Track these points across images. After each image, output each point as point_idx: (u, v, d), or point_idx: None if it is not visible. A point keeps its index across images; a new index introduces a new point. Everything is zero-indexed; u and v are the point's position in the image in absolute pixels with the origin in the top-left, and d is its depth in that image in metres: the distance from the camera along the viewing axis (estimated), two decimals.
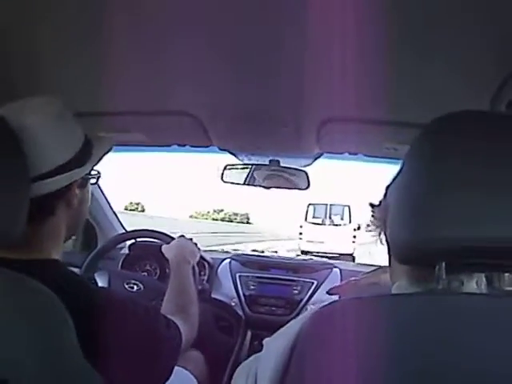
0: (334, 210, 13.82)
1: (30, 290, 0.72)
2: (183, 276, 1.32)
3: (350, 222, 13.33)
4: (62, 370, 0.71)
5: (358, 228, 12.72)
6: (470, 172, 0.59)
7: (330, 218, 13.69)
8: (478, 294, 0.65)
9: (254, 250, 2.47)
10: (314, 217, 13.80)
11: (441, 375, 0.56)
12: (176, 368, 1.48)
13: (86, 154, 0.93)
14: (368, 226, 0.86)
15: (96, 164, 0.97)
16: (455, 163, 0.60)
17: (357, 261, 9.55)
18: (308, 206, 13.97)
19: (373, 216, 0.84)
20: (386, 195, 0.81)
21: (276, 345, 0.72)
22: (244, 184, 1.86)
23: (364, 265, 2.50)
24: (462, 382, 0.55)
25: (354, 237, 12.91)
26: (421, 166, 0.64)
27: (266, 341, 0.79)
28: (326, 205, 13.95)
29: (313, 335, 0.65)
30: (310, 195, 13.84)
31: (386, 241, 0.74)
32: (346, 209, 13.70)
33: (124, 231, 2.26)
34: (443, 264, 0.61)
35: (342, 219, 13.55)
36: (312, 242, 12.97)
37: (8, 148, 0.76)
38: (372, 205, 0.85)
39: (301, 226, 13.73)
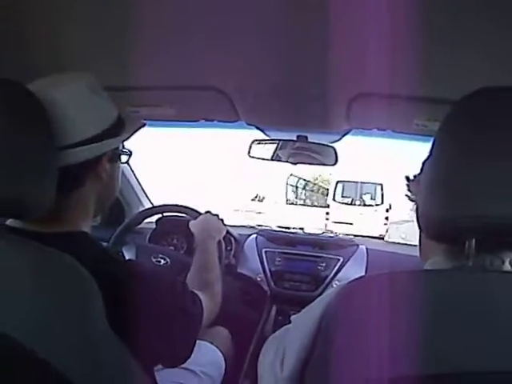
0: (364, 189, 13.33)
1: (59, 263, 0.75)
2: (208, 252, 1.37)
3: (382, 202, 12.86)
4: (87, 339, 0.74)
5: (390, 208, 12.45)
6: (500, 148, 0.61)
7: (361, 197, 13.26)
8: (507, 272, 0.68)
9: (279, 227, 2.53)
10: (342, 196, 13.36)
11: (470, 350, 0.58)
12: (203, 343, 1.59)
13: (117, 129, 0.98)
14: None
15: (127, 139, 1.01)
16: (487, 139, 0.62)
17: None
18: (336, 184, 13.48)
19: (408, 190, 0.88)
20: (421, 170, 0.83)
21: (303, 321, 0.77)
22: (271, 160, 1.91)
23: (393, 243, 2.54)
24: (490, 357, 0.57)
25: (386, 218, 12.49)
26: (452, 142, 0.66)
27: (293, 317, 0.83)
28: (357, 183, 13.42)
29: (339, 311, 0.68)
30: (338, 172, 13.39)
31: (417, 217, 0.76)
32: (378, 187, 13.15)
33: (151, 206, 2.34)
34: (473, 241, 0.64)
35: (373, 199, 13.11)
36: (340, 223, 12.69)
37: (34, 119, 0.80)
38: (408, 178, 0.89)
39: (328, 206, 13.40)
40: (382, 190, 13.12)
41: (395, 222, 12.27)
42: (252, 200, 15.44)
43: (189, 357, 1.00)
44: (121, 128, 1.00)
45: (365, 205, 13.20)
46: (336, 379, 0.63)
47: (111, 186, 1.04)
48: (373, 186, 13.36)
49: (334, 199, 13.46)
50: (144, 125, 1.07)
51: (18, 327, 0.70)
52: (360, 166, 15.59)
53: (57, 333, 0.71)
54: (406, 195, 0.90)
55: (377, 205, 12.97)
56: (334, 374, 0.63)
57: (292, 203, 16.91)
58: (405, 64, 1.10)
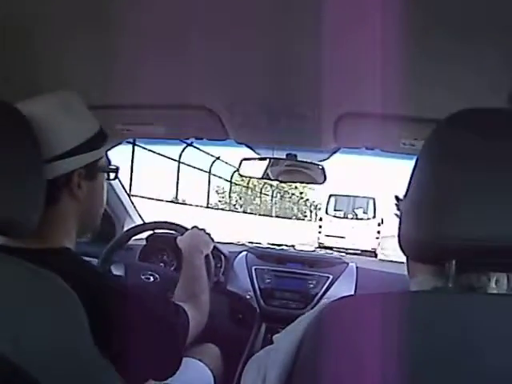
0: (357, 203, 13.48)
1: (43, 280, 0.75)
2: (195, 265, 1.38)
3: (374, 216, 13.00)
4: (74, 360, 0.74)
5: (382, 222, 12.50)
6: (483, 172, 0.61)
7: (353, 211, 13.38)
8: (485, 294, 0.67)
9: (270, 244, 2.53)
10: (335, 209, 13.50)
11: (450, 374, 0.58)
12: (192, 360, 1.59)
13: (94, 144, 0.97)
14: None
15: (105, 151, 1.01)
16: (467, 162, 0.62)
17: (379, 257, 9.34)
18: (329, 198, 13.62)
19: (398, 209, 0.86)
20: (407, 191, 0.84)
21: (285, 339, 0.76)
22: (261, 178, 1.94)
23: (384, 261, 2.56)
24: (471, 380, 0.57)
25: (378, 232, 12.60)
26: (432, 164, 0.66)
27: (275, 337, 0.83)
28: (349, 197, 13.59)
29: (322, 329, 0.68)
30: (331, 187, 13.47)
31: (398, 238, 0.76)
32: (371, 202, 13.30)
33: (142, 222, 2.35)
34: (453, 262, 0.64)
35: (365, 213, 13.22)
36: (332, 236, 12.76)
37: (23, 138, 0.80)
38: (397, 198, 0.88)
39: (320, 219, 13.47)
40: (374, 204, 13.21)
41: (388, 236, 12.31)
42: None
43: (177, 368, 1.00)
44: (97, 143, 0.99)
45: (357, 218, 13.26)
46: None
47: (91, 205, 1.02)
48: (365, 200, 13.49)
49: (326, 212, 13.53)
50: (120, 142, 1.07)
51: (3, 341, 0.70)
52: (352, 181, 15.61)
53: (39, 348, 0.71)
54: (396, 214, 0.90)
55: (369, 219, 13.01)
56: None
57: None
58: (392, 84, 1.11)
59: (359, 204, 13.50)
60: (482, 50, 0.95)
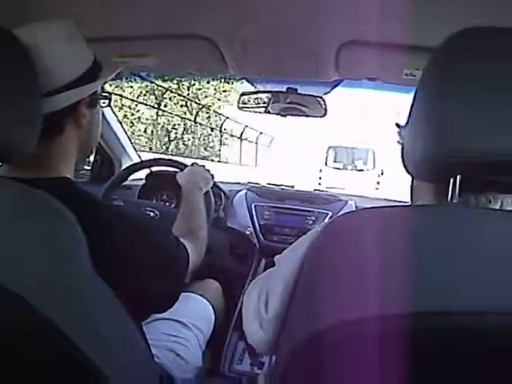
0: (356, 154, 13.45)
1: (45, 205, 0.74)
2: (194, 201, 1.39)
3: (373, 167, 13.01)
4: (73, 282, 0.73)
5: (382, 173, 12.53)
6: (485, 88, 0.61)
7: (353, 162, 13.38)
8: (490, 209, 0.68)
9: (269, 184, 2.54)
10: (334, 161, 13.45)
11: (454, 283, 0.57)
12: (193, 295, 1.62)
13: (94, 74, 0.97)
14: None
15: (105, 83, 1.01)
16: (469, 77, 0.62)
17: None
18: (328, 149, 13.56)
19: (399, 136, 0.87)
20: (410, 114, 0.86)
21: (286, 261, 0.77)
22: (262, 112, 1.92)
23: (380, 199, 2.57)
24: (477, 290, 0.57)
25: (378, 183, 12.60)
26: (434, 81, 0.66)
27: (276, 258, 0.84)
28: (348, 148, 13.55)
29: (324, 246, 0.68)
30: (330, 138, 13.39)
31: (402, 158, 0.76)
32: (370, 153, 13.29)
33: (139, 160, 2.34)
34: (458, 178, 0.64)
35: (365, 164, 13.24)
36: (332, 188, 12.76)
37: (20, 63, 0.79)
38: (398, 125, 0.88)
39: (320, 171, 13.36)
40: (373, 155, 13.17)
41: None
42: None
43: (176, 300, 1.01)
44: (97, 72, 0.99)
45: (357, 170, 13.27)
46: (318, 318, 0.62)
47: (91, 132, 1.03)
48: (365, 152, 13.43)
49: (325, 164, 13.48)
50: (122, 69, 1.07)
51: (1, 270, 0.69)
52: (352, 132, 15.50)
53: (42, 275, 0.70)
54: (398, 141, 0.90)
55: (368, 170, 13.02)
56: (316, 312, 0.63)
57: None
58: (395, 12, 1.09)
59: (359, 155, 13.46)
60: None
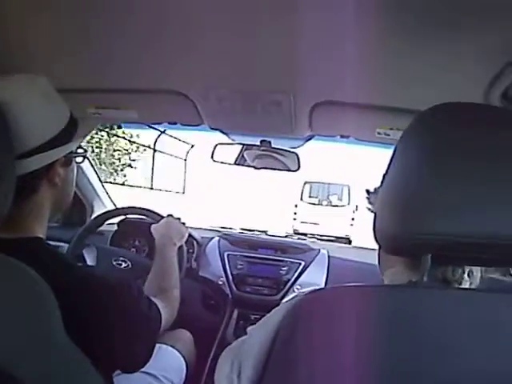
0: (332, 190, 13.44)
1: (15, 271, 0.73)
2: (167, 258, 1.38)
3: (348, 203, 12.97)
4: (47, 349, 0.72)
5: (356, 209, 12.61)
6: (459, 166, 0.62)
7: (328, 197, 13.34)
8: (459, 288, 0.69)
9: (242, 229, 2.54)
10: (310, 196, 13.46)
11: (426, 370, 0.59)
12: (164, 346, 1.59)
13: (70, 133, 0.97)
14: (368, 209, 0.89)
15: (81, 142, 1.00)
16: (447, 156, 0.63)
17: (353, 243, 9.42)
18: (304, 185, 13.55)
19: (369, 202, 0.90)
20: (382, 182, 0.84)
21: (260, 331, 0.76)
22: (234, 164, 1.93)
23: (357, 248, 2.58)
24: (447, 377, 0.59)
25: (353, 219, 12.57)
26: (411, 157, 0.66)
27: (249, 329, 0.84)
28: (324, 184, 13.56)
29: (296, 321, 0.68)
30: (307, 173, 13.45)
31: (374, 230, 0.77)
32: (346, 189, 13.29)
33: (114, 207, 2.34)
34: (429, 256, 0.65)
35: (339, 199, 13.21)
36: (307, 223, 12.80)
37: None
38: (368, 191, 0.90)
39: (296, 206, 13.35)
40: (348, 191, 13.25)
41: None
42: None
43: (147, 361, 1.00)
44: (73, 131, 0.98)
45: (332, 205, 13.29)
46: None
47: (66, 190, 1.03)
48: (340, 187, 13.49)
49: (301, 199, 13.50)
50: (98, 124, 1.07)
51: None
52: (327, 168, 15.64)
53: (11, 339, 0.69)
54: (368, 208, 0.91)
55: (343, 206, 13.10)
56: None
57: None
58: (367, 73, 1.12)
59: (334, 191, 13.48)
60: (458, 47, 0.96)
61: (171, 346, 1.65)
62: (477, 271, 0.72)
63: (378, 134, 1.49)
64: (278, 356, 0.68)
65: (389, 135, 1.48)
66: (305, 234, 6.80)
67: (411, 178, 0.65)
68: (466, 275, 0.71)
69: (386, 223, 0.69)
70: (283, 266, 2.07)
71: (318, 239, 2.61)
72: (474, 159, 0.62)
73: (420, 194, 0.63)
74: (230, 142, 1.92)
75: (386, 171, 0.79)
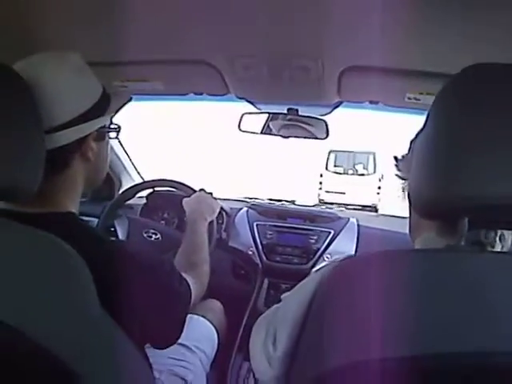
0: (357, 159, 13.36)
1: (49, 245, 0.74)
2: (198, 233, 1.38)
3: (374, 171, 12.91)
4: (84, 325, 0.73)
5: (382, 177, 12.50)
6: (496, 128, 0.61)
7: (353, 166, 13.28)
8: (496, 252, 0.68)
9: (270, 199, 2.53)
10: (335, 165, 13.37)
11: (456, 329, 0.58)
12: (196, 317, 1.62)
13: (102, 107, 0.97)
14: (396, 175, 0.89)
15: (113, 116, 1.01)
16: (481, 119, 0.62)
17: (380, 212, 9.39)
18: (329, 154, 13.46)
19: (398, 169, 0.88)
20: (410, 149, 0.84)
21: (294, 300, 0.77)
22: (261, 133, 1.90)
23: (384, 215, 2.57)
24: (475, 337, 0.58)
25: (379, 188, 12.55)
26: (446, 121, 0.65)
27: (283, 296, 0.84)
28: (349, 152, 13.46)
29: (330, 290, 0.68)
30: (331, 142, 13.31)
31: (408, 195, 0.76)
32: (371, 157, 13.18)
33: (141, 180, 2.34)
34: (466, 220, 0.64)
35: (365, 168, 13.16)
36: (332, 192, 12.79)
37: (21, 100, 0.79)
38: (396, 158, 0.89)
39: (321, 175, 13.32)
40: (374, 159, 13.13)
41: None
42: None
43: (178, 337, 1.01)
44: (105, 105, 0.99)
45: (357, 174, 13.23)
46: (326, 358, 0.63)
47: (99, 165, 1.03)
48: (365, 156, 13.37)
49: (326, 169, 13.44)
50: (130, 99, 1.07)
51: (7, 310, 0.69)
52: (352, 136, 15.47)
53: (48, 314, 0.70)
54: (396, 175, 0.89)
55: (369, 174, 13.00)
56: (325, 352, 0.64)
57: None
58: (396, 37, 1.09)
59: (359, 159, 13.38)
60: (487, 8, 0.93)
61: (202, 316, 1.68)
62: (508, 235, 0.71)
63: (408, 99, 1.46)
64: (313, 322, 0.69)
65: (419, 100, 1.44)
66: (331, 204, 6.80)
67: (448, 141, 0.64)
68: (497, 238, 0.70)
69: (422, 187, 0.68)
70: (312, 235, 2.06)
71: (344, 208, 2.59)
72: (509, 121, 0.61)
73: (456, 157, 0.62)
74: (257, 111, 1.88)
75: (415, 137, 0.80)
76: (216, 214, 1.59)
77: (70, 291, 0.73)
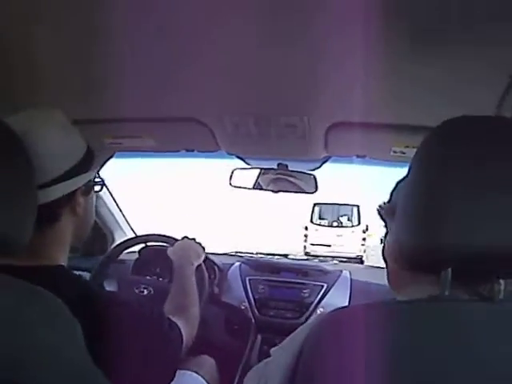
0: (341, 211, 13.38)
1: (40, 298, 0.73)
2: (185, 277, 1.37)
3: (358, 223, 12.90)
4: (73, 379, 0.72)
5: (367, 229, 12.55)
6: (478, 177, 0.61)
7: (338, 219, 13.28)
8: (481, 301, 0.66)
9: (262, 253, 2.52)
10: (320, 217, 13.38)
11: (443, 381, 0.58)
12: (188, 373, 1.58)
13: (89, 161, 0.99)
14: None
15: (98, 170, 1.02)
16: (463, 168, 0.62)
17: (366, 263, 9.36)
18: (314, 207, 13.45)
19: (381, 218, 0.87)
20: (390, 199, 0.84)
21: (283, 353, 0.75)
22: (252, 188, 1.92)
23: (373, 267, 2.56)
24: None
25: (364, 239, 12.56)
26: (427, 171, 0.66)
27: (272, 350, 0.82)
28: (334, 205, 13.51)
29: (319, 341, 0.68)
30: (316, 195, 13.38)
31: (383, 248, 0.77)
32: (355, 209, 13.19)
33: (134, 235, 2.33)
34: (449, 270, 0.63)
35: (349, 220, 13.17)
36: (318, 245, 12.74)
37: (15, 155, 0.79)
38: (380, 206, 0.88)
39: (306, 228, 13.32)
40: (358, 211, 13.18)
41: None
42: None
43: (171, 380, 1.00)
44: (91, 160, 1.01)
45: (342, 226, 13.23)
46: None
47: (86, 218, 1.04)
48: (349, 208, 13.42)
49: (311, 221, 13.45)
50: (113, 155, 1.08)
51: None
52: (336, 189, 15.63)
53: (38, 368, 0.69)
54: (384, 226, 0.90)
55: (353, 226, 13.03)
56: None
57: None
58: (381, 93, 1.12)
59: (343, 212, 13.42)
60: (470, 61, 0.95)
61: (195, 372, 1.63)
62: (499, 285, 0.68)
63: (394, 152, 1.48)
64: (304, 373, 0.68)
65: (404, 153, 1.46)
66: (317, 256, 6.78)
67: (430, 191, 0.64)
68: (486, 291, 0.68)
69: (404, 238, 0.68)
70: (305, 289, 2.04)
71: (336, 261, 2.58)
72: (490, 170, 0.61)
73: (439, 207, 0.62)
74: (247, 166, 1.90)
75: (395, 187, 0.80)
76: (202, 258, 1.57)
77: (59, 343, 0.72)
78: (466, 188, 0.61)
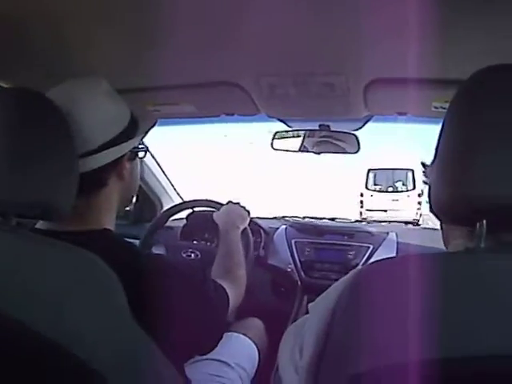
0: (396, 176, 13.23)
1: (86, 262, 0.75)
2: (231, 241, 1.39)
3: (413, 187, 12.67)
4: (118, 343, 0.75)
5: (422, 193, 12.25)
6: (508, 127, 0.60)
7: (393, 184, 13.17)
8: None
9: (309, 217, 2.49)
10: (375, 184, 13.27)
11: (478, 330, 0.57)
12: (236, 335, 1.60)
13: (133, 128, 1.01)
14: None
15: (143, 137, 1.04)
16: (493, 119, 0.61)
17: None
18: (368, 172, 13.33)
19: (425, 176, 0.88)
20: (435, 156, 0.84)
21: (319, 308, 0.75)
22: (298, 151, 1.90)
23: (426, 229, 2.49)
24: (499, 337, 0.57)
25: (419, 203, 12.32)
26: (459, 123, 0.64)
27: (310, 305, 0.83)
28: (388, 170, 13.30)
29: (356, 293, 0.67)
30: (369, 161, 13.22)
31: (429, 200, 0.75)
32: (410, 174, 12.92)
33: (181, 201, 2.38)
34: (484, 222, 0.62)
35: (404, 185, 13.01)
36: (374, 210, 12.60)
37: (55, 126, 0.82)
38: (423, 164, 0.89)
39: (361, 194, 13.21)
40: (413, 175, 12.90)
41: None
42: None
43: (217, 342, 1.02)
44: (136, 127, 1.02)
45: (397, 191, 13.08)
46: (353, 363, 0.62)
47: (132, 183, 1.07)
48: (404, 173, 13.19)
49: (366, 187, 13.32)
50: (156, 122, 1.11)
51: (42, 321, 0.71)
52: (390, 153, 15.28)
53: (81, 326, 0.72)
54: (424, 181, 0.87)
55: (408, 190, 12.78)
56: (351, 358, 0.63)
57: None
58: (419, 47, 1.06)
59: (398, 177, 13.26)
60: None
61: (243, 334, 1.66)
62: None
63: (435, 107, 1.41)
64: (339, 328, 0.68)
65: (445, 108, 1.39)
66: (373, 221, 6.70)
67: (461, 144, 0.63)
68: None
69: (440, 191, 0.67)
70: (351, 251, 2.02)
71: (386, 223, 2.53)
72: None
73: (469, 160, 0.61)
74: (288, 129, 1.87)
75: (437, 144, 0.78)
76: (247, 221, 1.58)
77: (104, 309, 0.74)
78: (500, 138, 0.60)
